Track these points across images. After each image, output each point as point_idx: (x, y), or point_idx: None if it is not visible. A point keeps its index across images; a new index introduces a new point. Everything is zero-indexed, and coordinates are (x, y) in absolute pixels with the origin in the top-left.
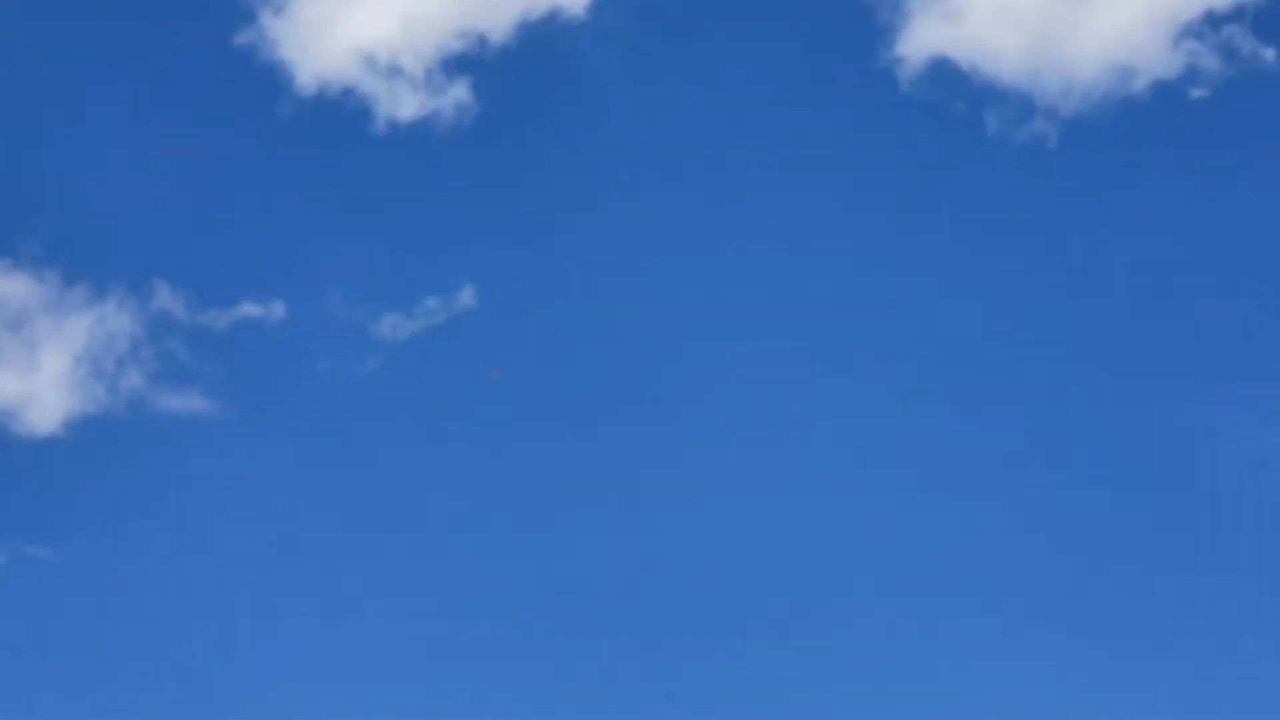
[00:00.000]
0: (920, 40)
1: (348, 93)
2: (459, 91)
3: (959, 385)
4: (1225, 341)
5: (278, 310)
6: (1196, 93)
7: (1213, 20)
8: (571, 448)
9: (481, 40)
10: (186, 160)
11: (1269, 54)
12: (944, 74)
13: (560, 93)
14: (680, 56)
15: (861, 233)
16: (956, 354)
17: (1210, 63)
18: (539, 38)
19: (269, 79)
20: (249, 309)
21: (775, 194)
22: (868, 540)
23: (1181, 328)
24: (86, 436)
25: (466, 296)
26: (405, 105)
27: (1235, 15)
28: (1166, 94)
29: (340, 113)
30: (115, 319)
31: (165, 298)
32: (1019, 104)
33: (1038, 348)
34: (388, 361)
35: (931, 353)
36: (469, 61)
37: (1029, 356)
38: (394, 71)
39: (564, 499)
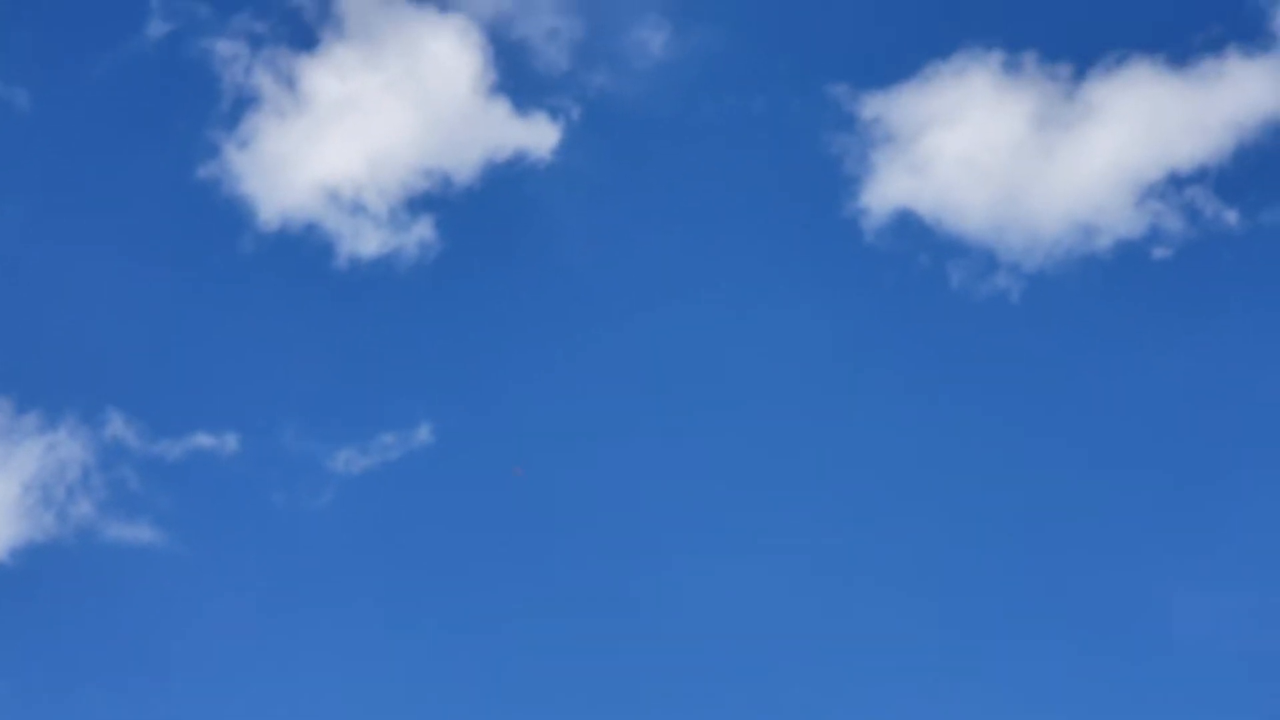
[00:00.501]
0: (885, 192)
1: (310, 228)
2: (422, 229)
3: (915, 540)
4: (1186, 505)
5: (231, 442)
6: (1159, 252)
7: (1176, 181)
8: (526, 586)
9: (446, 179)
10: (144, 290)
11: (1232, 216)
12: (908, 226)
13: (523, 234)
14: (645, 201)
15: (823, 383)
16: (910, 508)
17: (1173, 223)
18: (504, 178)
19: (231, 213)
20: (203, 440)
21: (736, 344)
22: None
23: (1142, 489)
24: (34, 565)
25: (423, 433)
26: (368, 242)
27: (1199, 177)
28: (1129, 253)
29: (302, 248)
30: (67, 447)
31: (118, 426)
32: (982, 258)
33: (994, 502)
34: (341, 496)
35: (885, 505)
36: (433, 200)
37: (985, 514)
38: (357, 208)
39: (519, 638)
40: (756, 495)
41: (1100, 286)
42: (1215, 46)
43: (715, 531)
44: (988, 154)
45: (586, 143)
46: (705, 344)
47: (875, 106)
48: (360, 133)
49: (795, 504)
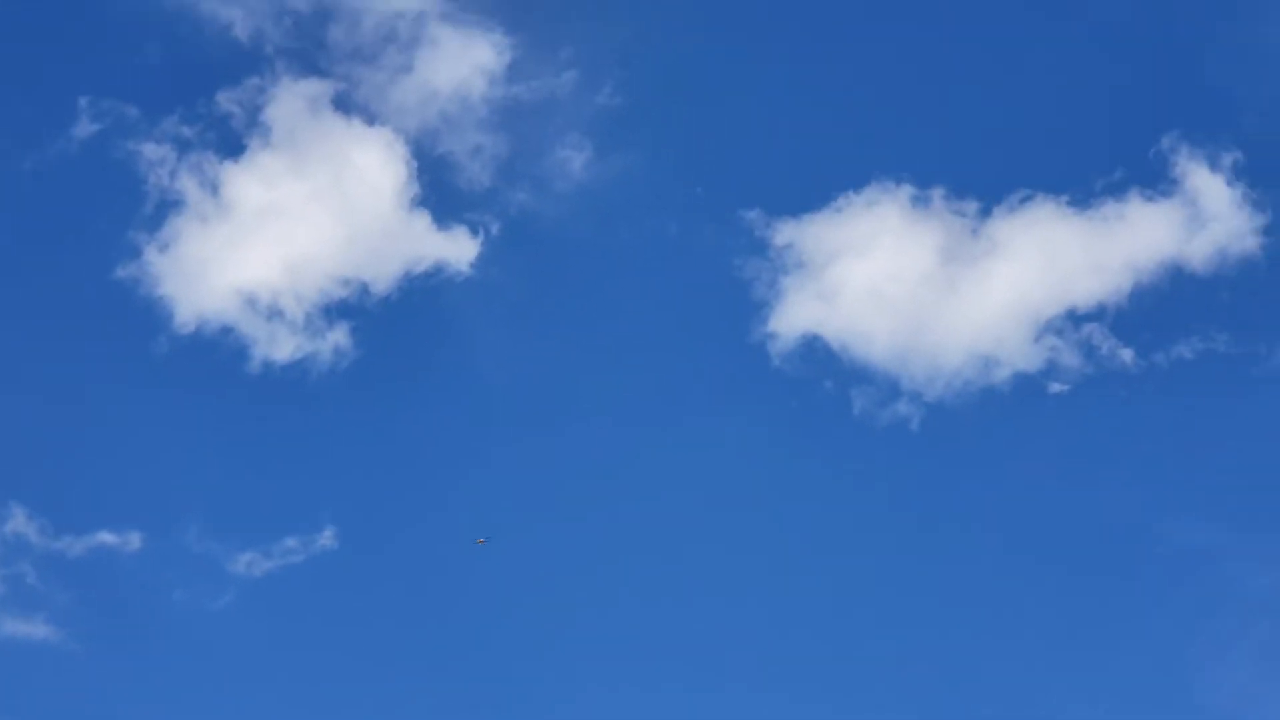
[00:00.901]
0: (794, 318)
1: (226, 332)
2: (338, 336)
3: (809, 656)
4: (1071, 636)
5: (134, 540)
6: (1055, 387)
7: (1074, 318)
8: (425, 692)
9: (364, 288)
10: (55, 386)
11: (1127, 354)
12: (815, 352)
13: (438, 345)
14: (559, 319)
15: (726, 502)
16: (805, 626)
17: (1070, 359)
18: (422, 290)
19: (148, 314)
20: (105, 537)
21: (641, 463)
22: None
23: (1029, 616)
24: None
25: (327, 538)
26: (282, 347)
27: (1096, 315)
28: (1027, 386)
29: (217, 351)
30: None
31: (19, 522)
32: (885, 386)
33: (885, 622)
34: (242, 598)
35: (783, 622)
36: (350, 308)
37: (876, 633)
38: (274, 314)
39: None
40: (658, 608)
41: (998, 418)
42: (1117, 190)
43: (617, 642)
44: (894, 284)
45: (505, 258)
46: (612, 461)
47: (787, 234)
48: (281, 240)
49: (695, 616)
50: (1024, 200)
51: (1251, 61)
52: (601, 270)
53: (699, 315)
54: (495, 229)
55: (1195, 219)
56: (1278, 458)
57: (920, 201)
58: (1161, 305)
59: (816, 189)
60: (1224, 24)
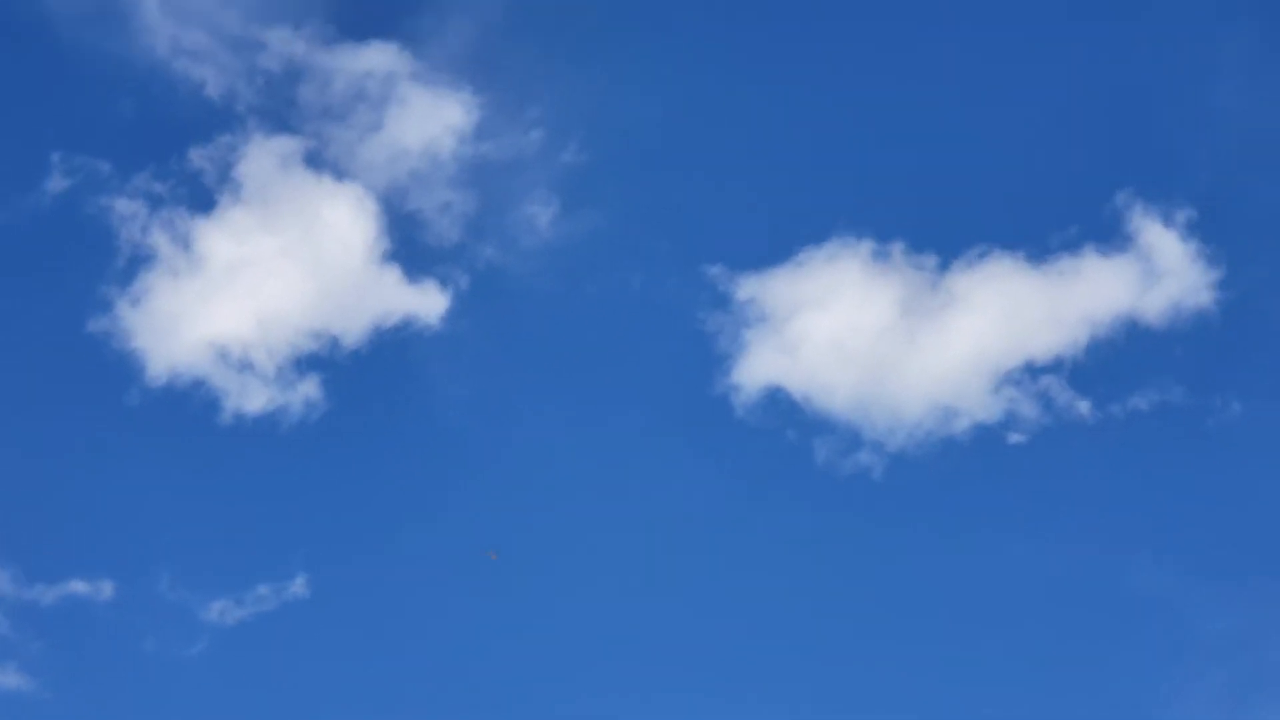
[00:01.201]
0: (756, 369)
1: (198, 384)
2: (308, 389)
3: (769, 708)
4: (1033, 688)
5: (106, 589)
6: (1014, 438)
7: (1032, 370)
8: None
9: (335, 341)
10: (28, 437)
11: (1084, 406)
12: (777, 403)
13: (408, 398)
14: (527, 372)
15: (691, 552)
16: (768, 676)
17: (1028, 410)
18: (391, 343)
19: (120, 367)
20: (78, 586)
21: (607, 515)
22: None
23: (988, 668)
24: None
25: (298, 586)
26: (254, 399)
27: (1054, 367)
28: (985, 437)
29: (188, 403)
30: None
31: None
32: (847, 436)
33: (845, 673)
34: (214, 646)
35: (746, 672)
36: (320, 361)
37: (836, 684)
38: (245, 366)
39: None
40: (623, 658)
41: (957, 468)
42: (1073, 245)
43: (583, 690)
44: (855, 337)
45: (473, 312)
46: (578, 514)
47: (750, 288)
48: (252, 294)
49: (657, 665)
50: (982, 255)
51: (1204, 120)
52: (568, 324)
53: (663, 368)
54: (464, 283)
55: (1150, 274)
56: (1232, 506)
57: (880, 256)
58: (1117, 358)
59: (778, 244)
60: (1177, 82)
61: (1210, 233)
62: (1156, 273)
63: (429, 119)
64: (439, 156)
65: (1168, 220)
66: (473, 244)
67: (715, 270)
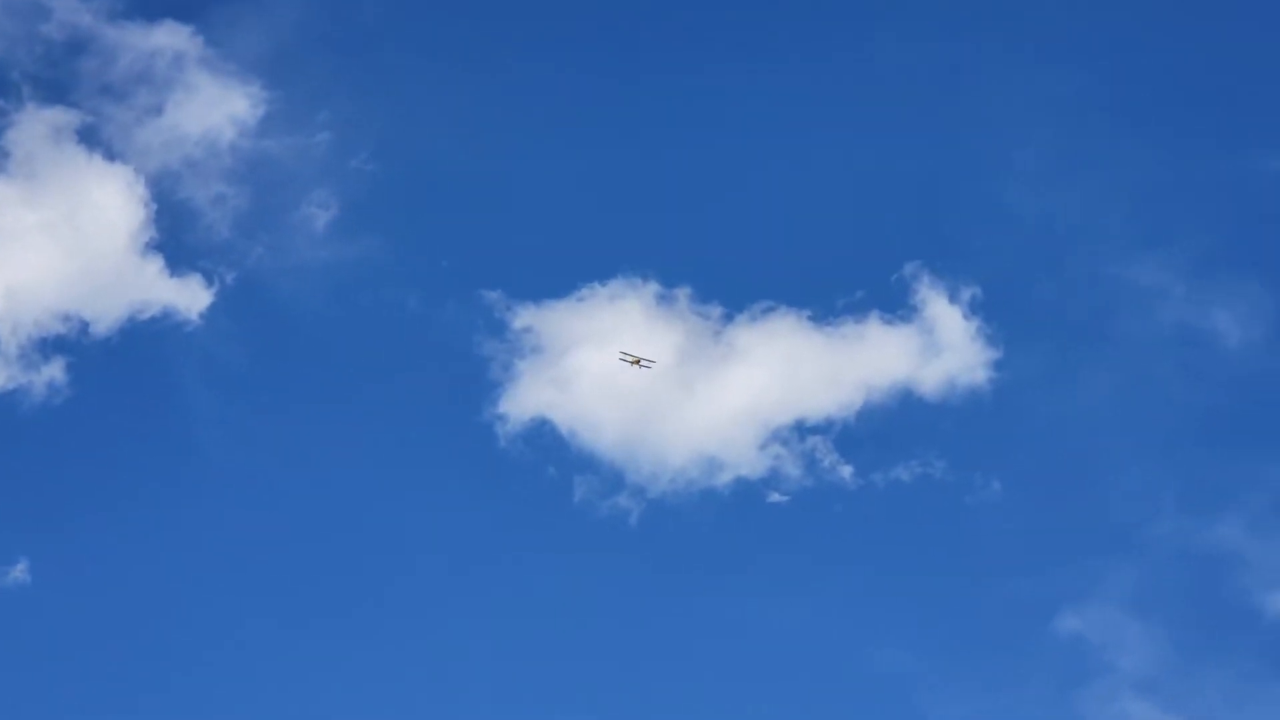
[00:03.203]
0: (525, 401)
1: None
2: (52, 372)
3: None
4: None
5: None
6: (775, 496)
7: (802, 430)
8: None
9: (85, 327)
10: None
11: (847, 470)
12: (542, 436)
13: (153, 394)
14: (285, 379)
15: (435, 578)
16: (497, 701)
17: (792, 469)
18: (146, 334)
19: None
20: None
21: (351, 536)
22: None
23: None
24: None
25: (19, 571)
26: None
27: (824, 428)
28: (747, 492)
29: None
30: None
31: None
32: (610, 477)
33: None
34: None
35: (479, 704)
36: (68, 344)
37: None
38: None
39: None
40: (362, 678)
41: (715, 521)
42: (857, 310)
43: (315, 705)
44: (630, 378)
45: (236, 313)
46: (320, 525)
47: (528, 317)
48: (4, 266)
49: (395, 682)
50: (767, 310)
51: (999, 209)
52: (334, 336)
53: (429, 390)
54: (229, 281)
55: (930, 346)
56: (981, 588)
57: (665, 300)
58: (887, 426)
59: (561, 276)
60: (978, 171)
61: (993, 313)
62: (937, 346)
63: (213, 108)
64: (218, 147)
65: (953, 296)
66: (243, 242)
67: (494, 296)
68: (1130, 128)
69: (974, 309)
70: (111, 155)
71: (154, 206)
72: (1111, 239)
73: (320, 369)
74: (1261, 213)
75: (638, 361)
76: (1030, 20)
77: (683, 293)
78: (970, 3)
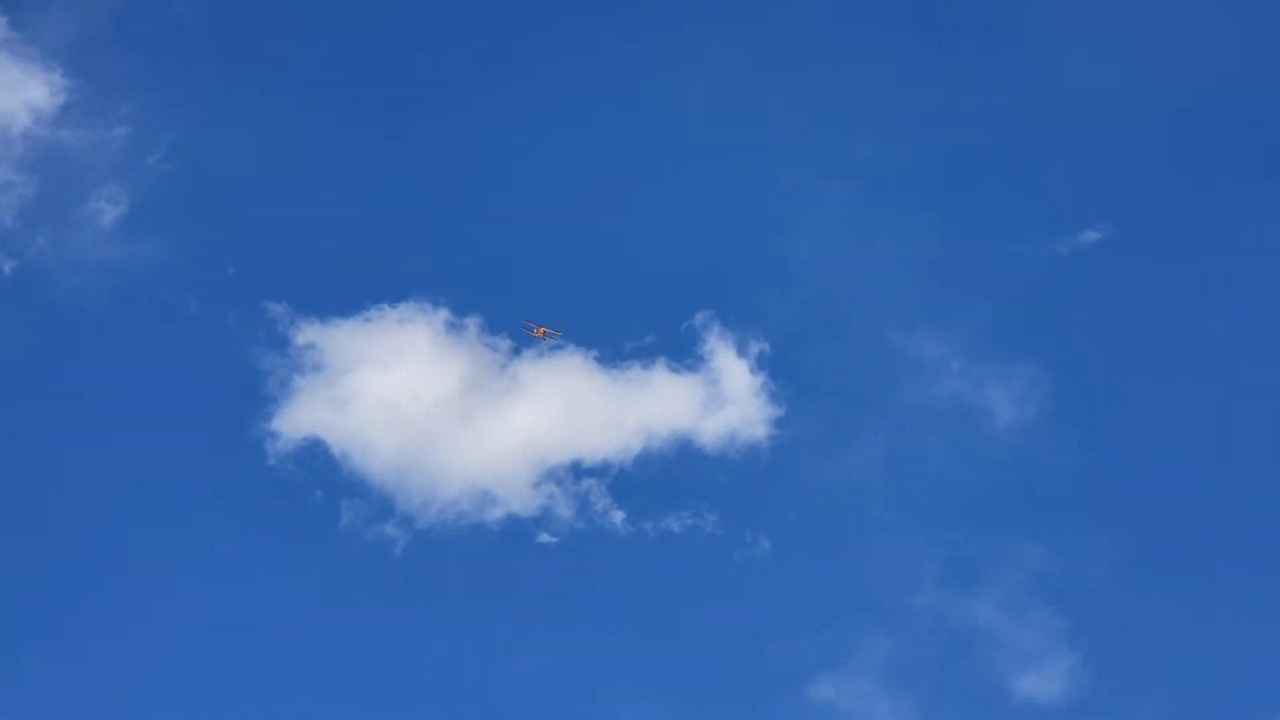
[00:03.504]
0: (299, 419)
1: None
2: None
3: None
4: None
5: None
6: (545, 536)
7: (577, 471)
8: None
9: None
10: None
11: (619, 515)
12: (314, 457)
13: None
14: (55, 380)
15: (190, 596)
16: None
17: (564, 510)
18: None
19: None
20: None
21: (101, 535)
22: None
23: None
24: None
25: None
26: None
27: (600, 471)
28: (516, 530)
29: None
30: None
31: None
32: (379, 504)
33: None
34: None
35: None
36: None
37: None
38: None
39: None
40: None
41: (481, 557)
42: (645, 355)
43: None
44: (411, 403)
45: (11, 303)
46: (70, 531)
47: (311, 333)
48: None
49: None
50: (554, 348)
51: (792, 266)
52: (110, 334)
53: (201, 400)
54: (8, 270)
55: (714, 398)
56: (740, 646)
57: (454, 328)
58: (664, 474)
59: (350, 295)
60: (775, 227)
61: (779, 370)
62: (720, 398)
63: (10, 92)
64: (10, 133)
65: (742, 350)
66: (25, 232)
67: (278, 309)
68: (921, 200)
69: (761, 364)
70: None
71: None
72: (896, 308)
73: (93, 367)
74: (1041, 295)
75: (543, 332)
76: (834, 84)
77: (473, 322)
78: (776, 58)
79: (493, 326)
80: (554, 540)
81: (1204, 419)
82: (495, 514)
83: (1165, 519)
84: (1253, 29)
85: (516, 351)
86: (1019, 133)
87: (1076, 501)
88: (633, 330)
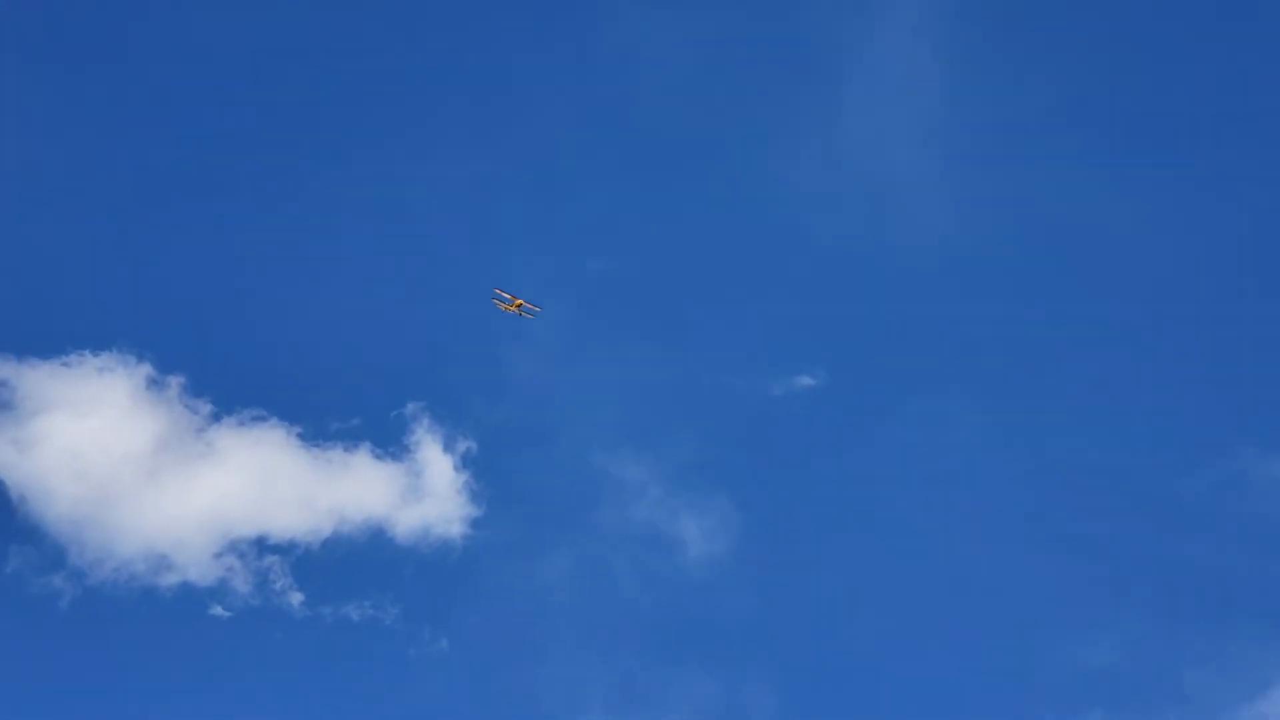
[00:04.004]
0: None
1: None
2: None
3: None
4: None
5: None
6: (218, 609)
7: (262, 547)
8: None
9: None
10: None
11: (297, 597)
12: None
13: None
14: None
15: None
16: None
17: (242, 584)
18: None
19: None
20: None
21: None
22: None
23: None
24: None
25: None
26: None
27: (284, 549)
28: (190, 599)
29: None
30: None
31: None
32: (50, 554)
33: None
34: None
35: None
36: None
37: None
38: None
39: None
40: None
41: (149, 622)
42: (350, 438)
43: None
44: (98, 455)
45: None
46: None
47: (5, 371)
48: None
49: None
50: (257, 419)
51: (511, 371)
52: None
53: None
54: None
55: (414, 490)
56: None
57: (156, 385)
58: (351, 560)
59: (50, 337)
60: (494, 330)
61: (483, 471)
62: (420, 491)
63: None
64: None
65: (449, 446)
66: None
67: None
68: (647, 323)
69: (466, 463)
70: None
71: None
72: (605, 428)
73: None
74: (747, 434)
75: (519, 306)
76: (577, 198)
77: (176, 381)
78: (516, 167)
79: (196, 389)
80: (227, 614)
81: (874, 575)
82: (170, 579)
83: (829, 665)
84: (974, 201)
85: (217, 417)
86: (754, 271)
87: (750, 640)
88: (340, 411)
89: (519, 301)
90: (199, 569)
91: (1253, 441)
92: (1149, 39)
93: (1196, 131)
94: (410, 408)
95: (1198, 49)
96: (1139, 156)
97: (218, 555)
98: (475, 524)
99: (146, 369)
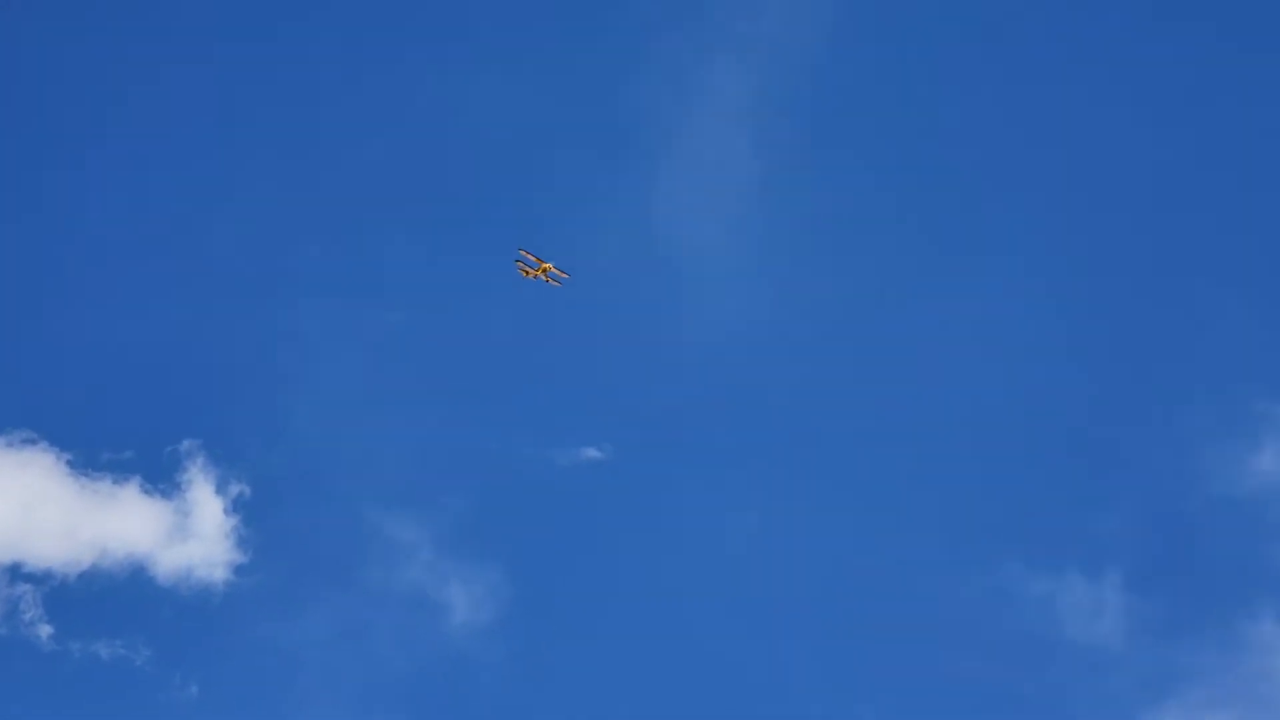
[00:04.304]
0: None
1: None
2: None
3: None
4: None
5: None
6: None
7: (15, 574)
8: None
9: None
10: None
11: (46, 629)
12: None
13: None
14: None
15: None
16: None
17: None
18: None
19: None
20: None
21: None
22: None
23: None
24: None
25: None
26: None
27: (40, 579)
28: None
29: None
30: None
31: None
32: None
33: None
34: None
35: None
36: None
37: None
38: None
39: None
40: None
41: None
42: (121, 470)
43: None
44: None
45: None
46: None
47: None
48: None
49: None
50: (28, 441)
51: (289, 419)
52: None
53: None
54: None
55: (181, 529)
56: None
57: None
58: (107, 596)
59: None
60: (280, 375)
61: (254, 516)
62: (187, 531)
63: None
64: None
65: (221, 488)
66: None
67: None
68: (435, 380)
69: (238, 507)
70: None
71: None
72: (383, 485)
73: None
74: (526, 503)
75: (544, 271)
76: (378, 248)
77: None
78: (317, 218)
79: None
80: None
81: (640, 661)
82: None
83: None
84: (779, 291)
85: None
86: (553, 339)
87: (505, 716)
88: (114, 442)
89: (546, 265)
90: None
91: (1018, 557)
92: (967, 136)
93: (1011, 232)
94: (186, 444)
95: (1014, 147)
96: (946, 257)
97: None
98: (240, 570)
99: None
